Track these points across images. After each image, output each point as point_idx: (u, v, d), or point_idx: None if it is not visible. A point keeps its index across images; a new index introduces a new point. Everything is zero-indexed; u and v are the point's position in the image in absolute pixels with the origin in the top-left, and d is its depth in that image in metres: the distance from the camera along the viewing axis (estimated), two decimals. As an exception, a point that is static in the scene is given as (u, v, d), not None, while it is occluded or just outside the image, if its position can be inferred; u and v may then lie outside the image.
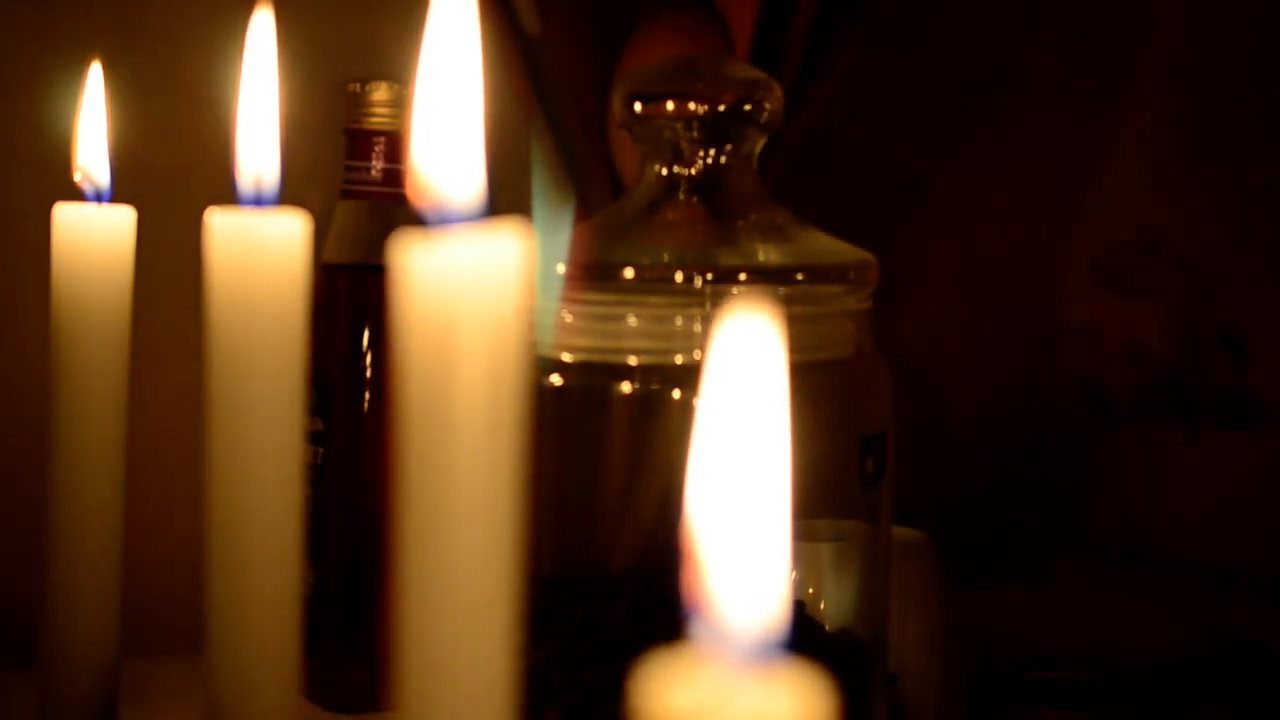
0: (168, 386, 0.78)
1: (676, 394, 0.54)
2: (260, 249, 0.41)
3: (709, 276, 0.54)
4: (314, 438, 0.72)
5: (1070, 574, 0.94)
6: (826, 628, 0.57)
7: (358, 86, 0.75)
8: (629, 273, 0.54)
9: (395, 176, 0.74)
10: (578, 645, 0.54)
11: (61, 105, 0.59)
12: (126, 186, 0.54)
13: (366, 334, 0.73)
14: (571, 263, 0.56)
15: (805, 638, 0.56)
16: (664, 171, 0.58)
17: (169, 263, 0.68)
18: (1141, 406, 0.92)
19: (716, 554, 0.24)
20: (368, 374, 0.73)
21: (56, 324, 0.51)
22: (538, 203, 0.64)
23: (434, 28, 0.31)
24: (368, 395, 0.73)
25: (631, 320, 0.54)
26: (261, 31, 0.42)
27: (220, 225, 0.41)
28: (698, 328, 0.54)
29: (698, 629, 0.24)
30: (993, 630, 0.79)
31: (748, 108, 0.57)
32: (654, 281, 0.54)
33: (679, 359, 0.54)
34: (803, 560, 0.58)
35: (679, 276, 0.54)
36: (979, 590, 0.83)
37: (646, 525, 0.57)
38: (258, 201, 0.42)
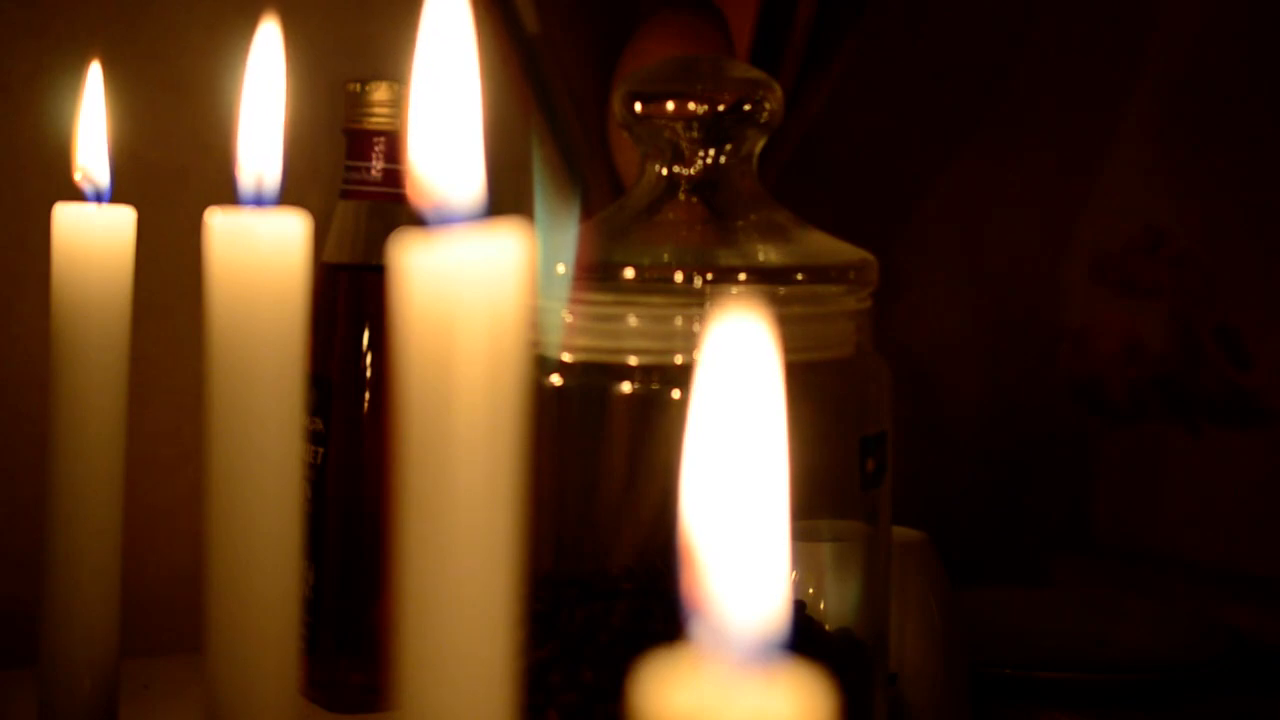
0: (168, 386, 0.78)
1: (676, 394, 0.54)
2: (260, 249, 0.41)
3: (709, 276, 0.54)
4: (314, 438, 0.72)
5: (1070, 573, 0.94)
6: (826, 628, 0.57)
7: (358, 86, 0.75)
8: (629, 273, 0.54)
9: (395, 176, 0.74)
10: (578, 645, 0.54)
11: (61, 105, 0.59)
12: (126, 186, 0.54)
13: (366, 334, 0.73)
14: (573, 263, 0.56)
15: (805, 638, 0.56)
16: (664, 171, 0.58)
17: (169, 263, 0.68)
18: (1141, 406, 0.92)
19: (716, 554, 0.24)
20: (368, 374, 0.73)
21: (56, 324, 0.51)
22: (538, 203, 0.64)
23: (431, 27, 0.31)
24: (368, 395, 0.73)
25: (631, 320, 0.54)
26: (268, 37, 0.42)
27: (220, 225, 0.41)
28: (698, 328, 0.54)
29: (698, 629, 0.24)
30: (993, 630, 0.79)
31: (748, 108, 0.57)
32: (654, 281, 0.54)
33: (679, 359, 0.54)
34: (803, 560, 0.58)
35: (679, 276, 0.54)
36: (979, 590, 0.83)
37: (646, 525, 0.57)
38: (258, 201, 0.42)
